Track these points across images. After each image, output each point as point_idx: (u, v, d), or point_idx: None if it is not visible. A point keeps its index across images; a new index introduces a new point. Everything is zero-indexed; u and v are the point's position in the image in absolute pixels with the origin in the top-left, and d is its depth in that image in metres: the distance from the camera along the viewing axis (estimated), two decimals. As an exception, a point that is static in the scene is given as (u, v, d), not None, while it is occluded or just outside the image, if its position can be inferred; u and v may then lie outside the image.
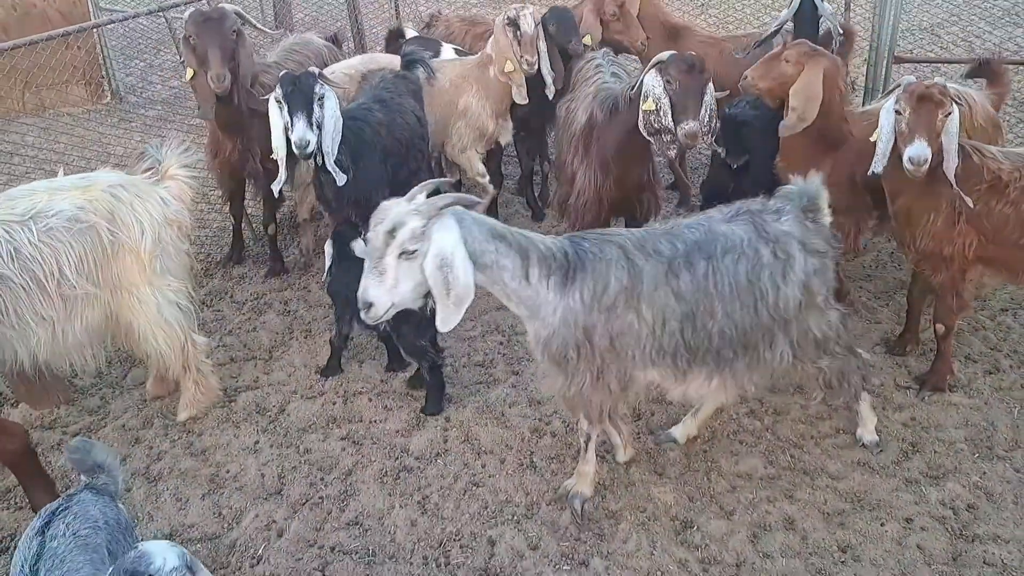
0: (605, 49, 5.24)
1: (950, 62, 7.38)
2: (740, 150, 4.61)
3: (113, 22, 6.90)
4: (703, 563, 3.19)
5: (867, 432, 3.79)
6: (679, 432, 3.83)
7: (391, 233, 2.83)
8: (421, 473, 3.72)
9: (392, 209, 2.88)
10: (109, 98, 9.60)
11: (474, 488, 3.61)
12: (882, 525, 3.33)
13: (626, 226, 4.87)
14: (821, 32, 5.27)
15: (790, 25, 5.27)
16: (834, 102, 4.17)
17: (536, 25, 4.94)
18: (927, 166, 3.48)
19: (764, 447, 3.78)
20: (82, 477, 2.70)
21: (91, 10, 9.28)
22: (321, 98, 4.05)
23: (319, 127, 4.05)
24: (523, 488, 3.58)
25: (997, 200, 3.58)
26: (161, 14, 6.11)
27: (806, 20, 5.20)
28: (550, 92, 5.17)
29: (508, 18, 4.97)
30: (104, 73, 9.59)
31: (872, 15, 6.10)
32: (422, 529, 3.39)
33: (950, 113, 3.51)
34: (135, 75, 10.34)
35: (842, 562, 3.19)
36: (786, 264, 3.18)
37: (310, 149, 4.03)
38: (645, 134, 4.10)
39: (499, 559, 3.23)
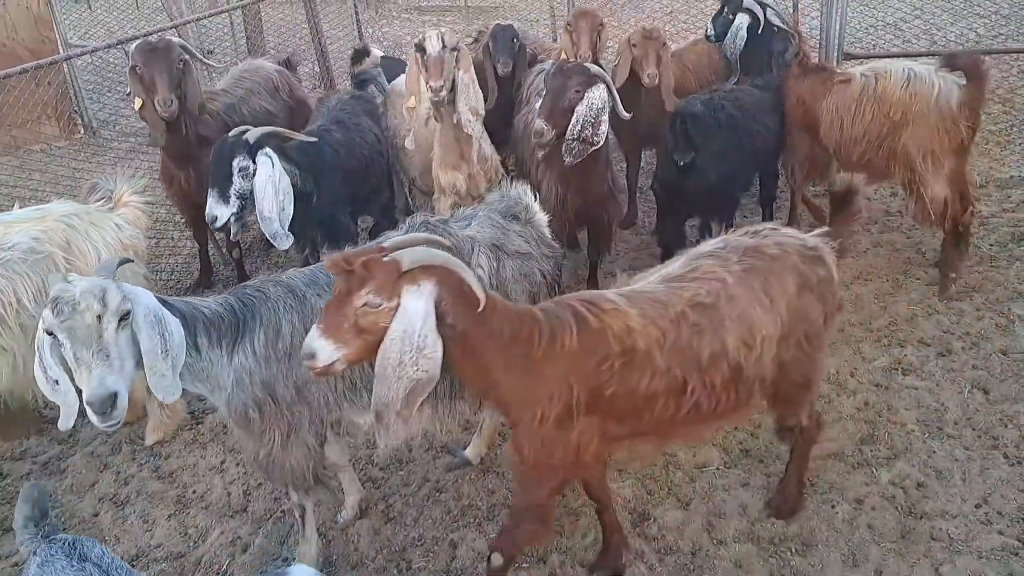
0: (552, 60, 5.36)
1: (899, 56, 7.50)
2: (687, 147, 4.70)
3: (76, 56, 6.99)
4: (659, 553, 3.27)
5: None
6: (471, 453, 3.84)
7: (102, 301, 2.49)
8: (385, 483, 3.79)
9: (73, 289, 2.51)
10: (82, 132, 9.70)
11: (437, 494, 3.68)
12: (833, 507, 3.42)
13: (589, 236, 4.99)
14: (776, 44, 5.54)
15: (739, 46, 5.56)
16: None
17: (446, 47, 4.23)
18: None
19: (721, 439, 3.86)
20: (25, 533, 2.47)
21: (60, 47, 9.39)
22: (244, 170, 3.93)
23: (240, 198, 3.98)
24: (485, 491, 3.65)
25: (638, 374, 2.55)
26: (121, 47, 6.19)
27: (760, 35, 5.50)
28: (467, 127, 4.46)
29: (416, 43, 4.33)
30: (76, 108, 9.70)
31: (820, 15, 6.25)
32: (385, 537, 3.46)
33: None
34: (108, 109, 10.43)
35: (794, 546, 3.27)
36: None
37: (218, 224, 4.00)
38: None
39: (460, 561, 3.29)
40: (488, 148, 4.66)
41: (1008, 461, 3.58)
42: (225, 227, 4.01)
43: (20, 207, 4.12)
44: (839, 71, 5.26)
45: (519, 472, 2.75)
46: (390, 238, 2.61)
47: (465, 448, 3.85)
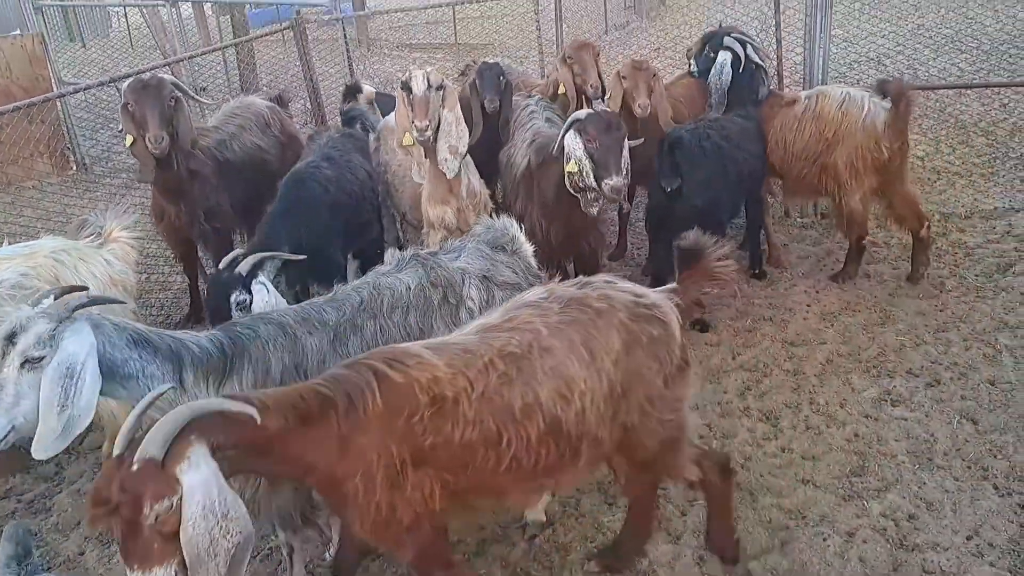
0: (538, 96, 5.44)
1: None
2: (673, 173, 4.77)
3: (68, 94, 7.06)
4: (649, 588, 3.25)
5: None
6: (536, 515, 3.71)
7: (10, 340, 2.45)
8: (375, 517, 3.75)
9: (13, 313, 2.53)
10: (74, 169, 9.75)
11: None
12: (824, 540, 3.40)
13: (575, 266, 5.01)
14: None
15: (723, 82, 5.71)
16: None
17: (432, 87, 4.21)
18: None
19: (711, 471, 3.85)
20: (8, 573, 2.46)
21: (54, 85, 9.48)
22: (241, 303, 3.70)
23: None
24: (475, 526, 3.61)
25: (451, 424, 2.45)
26: (114, 85, 6.24)
27: (733, 73, 5.66)
28: (442, 165, 4.39)
29: (401, 82, 4.30)
30: (69, 145, 9.75)
31: (803, 50, 6.36)
32: (373, 573, 3.42)
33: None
34: (101, 146, 10.49)
35: (785, 578, 3.25)
36: (459, 305, 3.26)
37: None
38: (571, 191, 4.26)
39: (448, 596, 3.25)
40: (477, 182, 4.67)
41: (998, 492, 3.58)
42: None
43: (9, 243, 4.14)
44: (786, 94, 5.67)
45: (376, 543, 2.65)
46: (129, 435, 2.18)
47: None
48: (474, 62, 7.88)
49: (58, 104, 9.36)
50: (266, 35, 9.48)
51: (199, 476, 2.02)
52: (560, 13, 9.66)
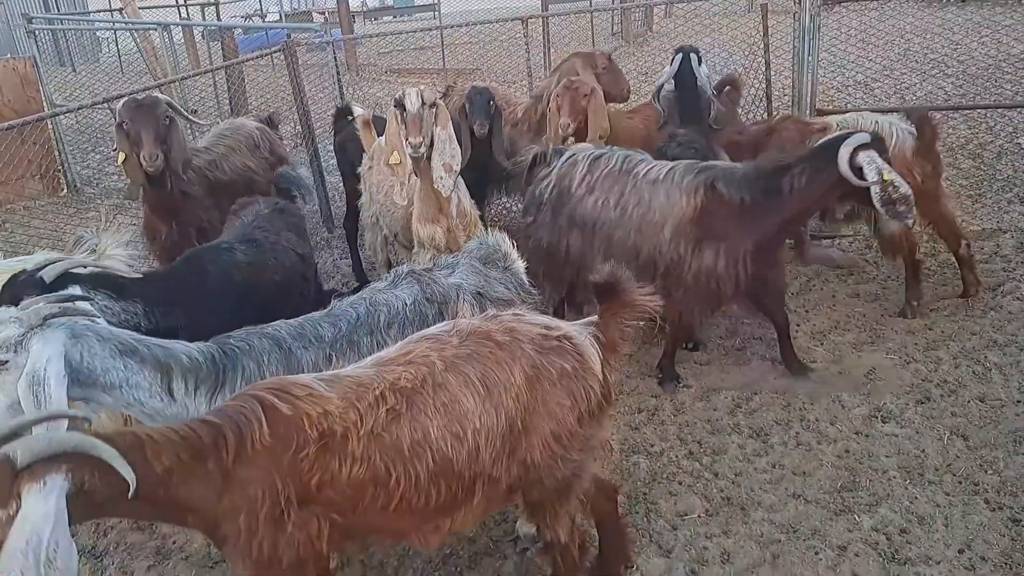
0: (521, 113, 5.59)
1: (867, 110, 7.77)
2: None
3: (62, 112, 7.08)
4: (642, 602, 3.23)
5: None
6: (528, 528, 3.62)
7: None
8: (366, 533, 3.72)
9: None
10: (65, 190, 9.75)
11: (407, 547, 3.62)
12: (816, 554, 3.40)
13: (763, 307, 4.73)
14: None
15: (671, 86, 5.89)
16: None
17: (425, 104, 4.22)
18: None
19: (702, 486, 3.85)
20: None
21: (46, 107, 9.50)
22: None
23: None
24: (467, 539, 3.59)
25: (339, 461, 2.34)
26: (107, 105, 6.27)
27: (686, 83, 5.83)
28: (438, 183, 4.39)
29: (395, 99, 4.29)
30: (60, 166, 9.76)
31: (792, 73, 6.48)
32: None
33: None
34: (92, 168, 10.51)
35: (778, 592, 3.24)
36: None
37: None
38: (881, 207, 4.00)
39: (441, 611, 3.24)
40: (467, 202, 4.67)
41: (989, 506, 3.59)
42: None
43: (3, 258, 4.14)
44: (816, 120, 5.76)
45: None
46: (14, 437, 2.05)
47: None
48: (455, 83, 8.02)
49: (50, 125, 9.39)
50: (257, 57, 9.57)
51: (41, 509, 1.84)
52: (548, 38, 9.81)
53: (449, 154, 4.35)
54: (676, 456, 4.09)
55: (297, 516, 2.30)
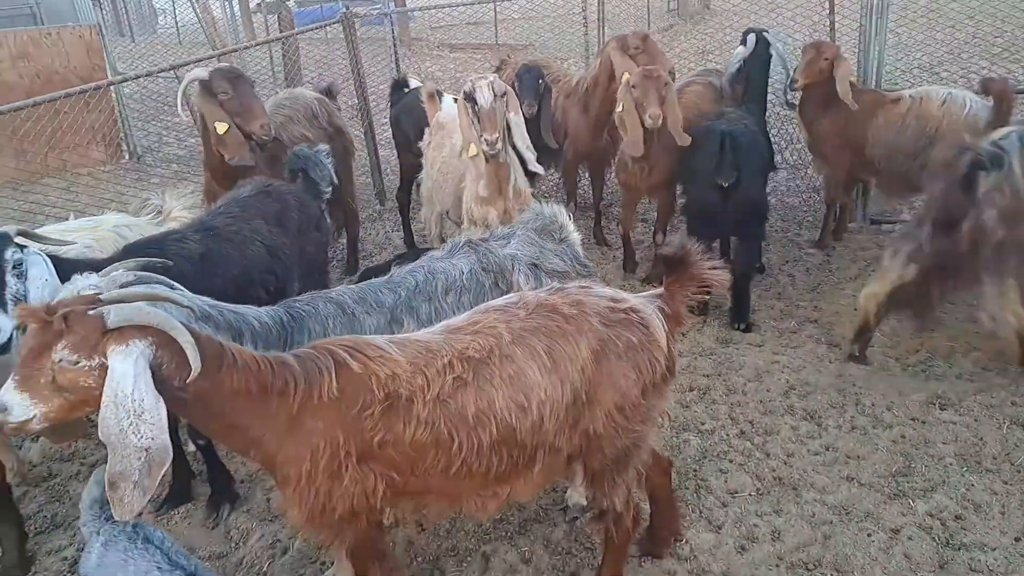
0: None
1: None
2: (731, 168, 4.75)
3: (126, 80, 7.24)
4: (691, 573, 3.25)
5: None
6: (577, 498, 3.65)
7: None
8: (419, 497, 3.81)
9: (79, 281, 2.61)
10: (127, 157, 10.00)
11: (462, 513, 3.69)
12: (868, 536, 3.38)
13: None
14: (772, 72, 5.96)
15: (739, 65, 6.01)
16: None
17: (497, 96, 4.11)
18: None
19: (753, 465, 3.86)
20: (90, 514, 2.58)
21: (109, 74, 9.73)
22: (18, 265, 3.05)
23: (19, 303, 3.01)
24: (517, 506, 3.65)
25: (403, 422, 2.40)
26: (174, 74, 6.40)
27: (759, 63, 5.94)
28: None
29: (464, 92, 4.19)
30: (122, 134, 10.01)
31: (856, 52, 6.34)
32: (419, 545, 3.47)
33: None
34: (152, 136, 10.75)
35: (828, 572, 3.23)
36: (509, 291, 3.21)
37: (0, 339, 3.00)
38: None
39: (493, 572, 3.30)
40: (523, 183, 4.59)
41: (1048, 496, 3.54)
42: (9, 345, 3.01)
43: (75, 218, 4.30)
44: (889, 92, 5.81)
45: (304, 531, 2.60)
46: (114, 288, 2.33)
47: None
48: (508, 57, 8.01)
49: (113, 93, 9.61)
50: (315, 28, 9.64)
51: (123, 366, 2.07)
52: (603, 15, 9.72)
53: (526, 136, 4.31)
54: (727, 435, 4.09)
55: (355, 470, 2.37)
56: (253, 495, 3.87)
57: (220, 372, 2.23)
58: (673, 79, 5.97)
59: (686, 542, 3.40)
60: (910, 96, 5.52)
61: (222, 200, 4.07)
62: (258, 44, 9.61)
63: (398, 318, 3.13)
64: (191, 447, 4.00)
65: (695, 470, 3.84)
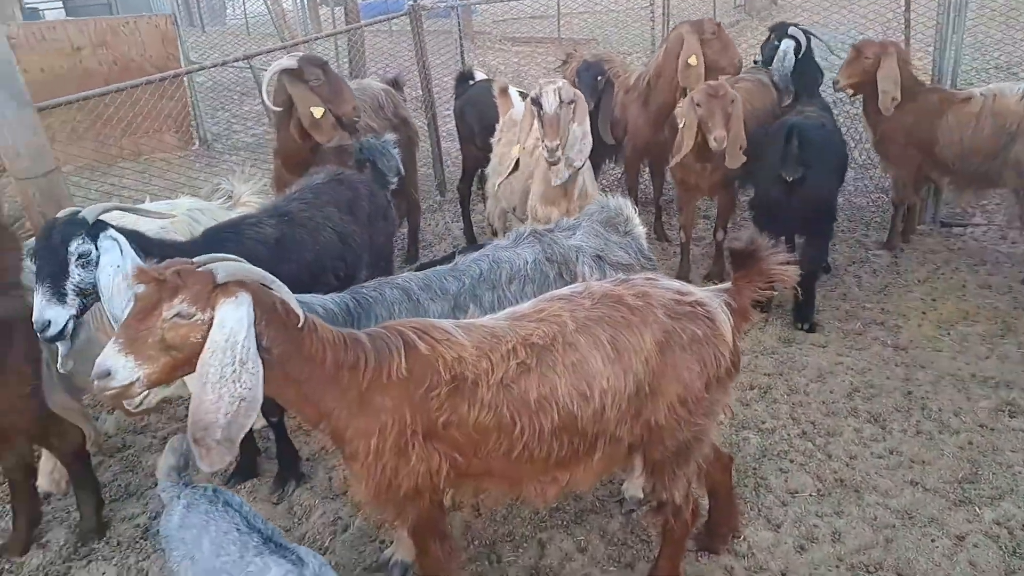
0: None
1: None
2: (798, 164, 4.68)
3: (201, 69, 7.45)
4: (749, 571, 3.24)
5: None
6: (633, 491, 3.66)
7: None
8: (476, 482, 3.86)
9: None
10: (197, 144, 10.29)
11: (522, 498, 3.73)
12: (932, 541, 3.32)
13: None
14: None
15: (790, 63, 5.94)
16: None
17: (563, 103, 4.03)
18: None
19: (814, 466, 3.81)
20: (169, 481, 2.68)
21: (183, 63, 10.03)
22: (84, 256, 3.00)
23: (80, 294, 3.03)
24: (573, 497, 3.68)
25: (467, 404, 2.44)
26: (248, 63, 6.57)
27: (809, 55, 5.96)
28: (553, 176, 4.22)
29: (532, 96, 4.14)
30: (193, 122, 10.31)
31: (933, 49, 6.19)
32: (476, 530, 3.53)
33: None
34: (221, 124, 11.05)
35: (890, 575, 3.19)
36: (572, 282, 3.17)
37: (51, 331, 2.97)
38: None
39: (548, 560, 3.34)
40: (591, 184, 4.49)
41: (1124, 510, 3.43)
42: (62, 335, 3.00)
43: (150, 201, 4.46)
44: (957, 91, 5.67)
45: (369, 507, 2.66)
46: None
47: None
48: (574, 51, 8.01)
49: (186, 81, 9.91)
50: (381, 21, 9.78)
51: (237, 314, 2.17)
52: (668, 9, 9.63)
53: (577, 150, 4.16)
54: (788, 435, 4.05)
55: (421, 449, 2.43)
56: (316, 473, 3.98)
57: (302, 335, 2.32)
58: (740, 71, 5.94)
59: (744, 539, 3.38)
60: (981, 94, 5.37)
61: (296, 186, 4.14)
62: (327, 36, 9.79)
63: (461, 305, 3.17)
64: (257, 424, 4.14)
65: (754, 468, 3.82)
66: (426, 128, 8.20)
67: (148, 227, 3.97)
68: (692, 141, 5.02)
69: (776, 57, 5.93)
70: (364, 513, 3.62)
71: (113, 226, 3.12)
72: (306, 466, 4.01)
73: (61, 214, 3.09)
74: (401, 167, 4.80)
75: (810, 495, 3.63)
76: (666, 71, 5.88)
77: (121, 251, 3.03)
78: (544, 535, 3.47)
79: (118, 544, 3.59)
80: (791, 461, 3.86)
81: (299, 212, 3.82)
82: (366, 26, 10.02)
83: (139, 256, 3.08)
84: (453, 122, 7.36)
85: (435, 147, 8.26)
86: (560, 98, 4.03)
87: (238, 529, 2.42)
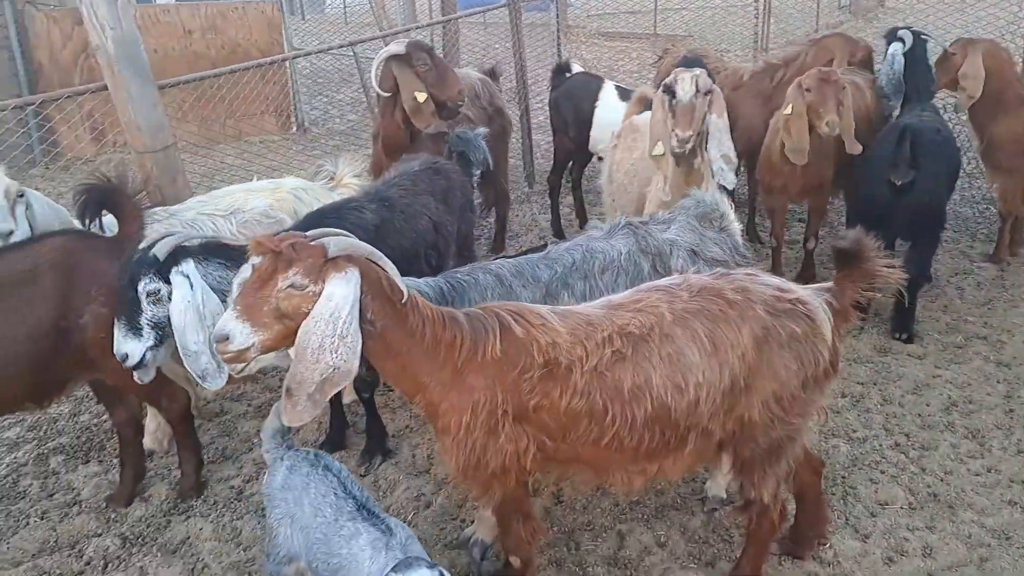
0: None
1: None
2: (908, 167, 4.51)
3: (304, 55, 7.68)
4: (834, 579, 3.18)
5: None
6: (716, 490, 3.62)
7: None
8: (557, 470, 3.89)
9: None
10: (295, 129, 10.62)
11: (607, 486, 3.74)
12: (1032, 563, 3.19)
13: None
14: None
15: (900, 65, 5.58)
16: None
17: (700, 92, 3.85)
18: None
19: (907, 478, 3.70)
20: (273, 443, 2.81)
21: (286, 49, 10.37)
22: (153, 295, 3.10)
23: (155, 327, 3.14)
24: (654, 491, 3.67)
25: (560, 389, 2.47)
26: (351, 48, 6.74)
27: (919, 58, 5.55)
28: (719, 176, 3.96)
29: (665, 84, 3.95)
30: (292, 106, 10.64)
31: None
32: (555, 516, 3.56)
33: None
34: (318, 110, 11.36)
35: (985, 596, 3.09)
36: (666, 276, 3.05)
37: (130, 363, 3.13)
38: None
39: (627, 551, 3.34)
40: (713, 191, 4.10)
41: None
42: (140, 365, 3.17)
43: (259, 179, 4.66)
44: None
45: (456, 482, 2.72)
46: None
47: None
48: (671, 46, 7.92)
49: (287, 67, 10.23)
50: (478, 12, 9.87)
51: (344, 290, 2.26)
52: (769, 7, 9.42)
53: (727, 145, 3.97)
54: (880, 445, 3.94)
55: (510, 429, 2.48)
56: (400, 450, 4.08)
57: (404, 310, 2.41)
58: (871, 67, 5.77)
59: (830, 547, 3.31)
60: None
61: (394, 171, 4.19)
62: (425, 26, 9.96)
63: (553, 293, 3.20)
64: (347, 399, 4.28)
65: (843, 476, 3.73)
66: (518, 119, 8.25)
67: (256, 204, 4.19)
68: (804, 128, 4.76)
69: (884, 61, 5.64)
70: (447, 491, 3.70)
71: (192, 247, 3.22)
72: (392, 442, 4.11)
73: (140, 246, 3.19)
74: (490, 160, 4.86)
75: (901, 507, 3.53)
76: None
77: (191, 285, 3.11)
78: (624, 527, 3.47)
79: (214, 503, 3.77)
80: (882, 472, 3.75)
81: (399, 199, 3.88)
82: (464, 17, 10.13)
83: (222, 266, 3.23)
84: (544, 115, 7.39)
85: (526, 138, 8.30)
86: (697, 87, 3.88)
87: (335, 493, 2.52)
